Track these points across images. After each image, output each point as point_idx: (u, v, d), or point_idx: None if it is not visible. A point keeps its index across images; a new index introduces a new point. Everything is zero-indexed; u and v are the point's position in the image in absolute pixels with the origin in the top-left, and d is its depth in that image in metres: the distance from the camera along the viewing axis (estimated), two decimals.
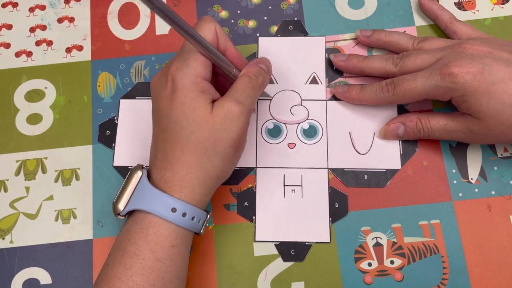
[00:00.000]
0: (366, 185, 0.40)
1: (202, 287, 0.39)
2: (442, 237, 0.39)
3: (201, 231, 0.35)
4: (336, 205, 0.40)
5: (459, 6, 0.45)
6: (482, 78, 0.35)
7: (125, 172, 0.41)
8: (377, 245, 0.39)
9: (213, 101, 0.33)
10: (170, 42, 0.45)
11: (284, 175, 0.41)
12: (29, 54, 0.45)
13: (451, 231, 0.39)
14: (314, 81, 0.43)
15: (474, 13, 0.45)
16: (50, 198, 0.41)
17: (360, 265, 0.39)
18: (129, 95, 0.44)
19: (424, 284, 0.38)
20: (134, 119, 0.43)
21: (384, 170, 0.41)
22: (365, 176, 0.41)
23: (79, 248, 0.40)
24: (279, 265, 0.39)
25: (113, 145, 0.42)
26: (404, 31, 0.43)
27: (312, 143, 0.42)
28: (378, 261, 0.39)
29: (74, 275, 0.39)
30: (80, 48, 0.45)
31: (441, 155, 0.41)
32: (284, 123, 0.42)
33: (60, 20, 0.46)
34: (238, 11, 0.46)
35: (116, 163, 0.42)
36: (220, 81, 0.39)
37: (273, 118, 0.42)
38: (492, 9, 0.45)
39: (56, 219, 0.41)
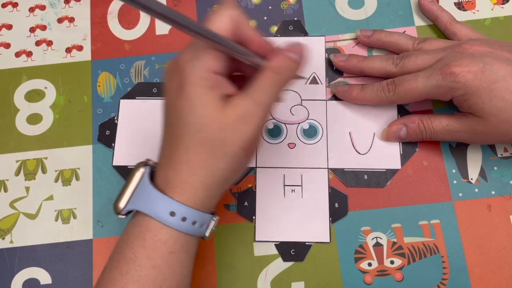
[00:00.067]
0: (366, 185, 0.40)
1: (202, 287, 0.39)
2: (442, 237, 0.39)
3: (206, 235, 0.32)
4: (336, 205, 0.40)
5: (459, 6, 0.45)
6: (483, 76, 0.35)
7: (125, 172, 0.41)
8: (377, 245, 0.39)
9: (228, 96, 0.30)
10: (170, 42, 0.45)
11: (284, 175, 0.41)
12: (29, 54, 0.45)
13: (451, 231, 0.39)
14: (314, 81, 0.43)
15: (474, 13, 0.45)
16: (50, 198, 0.41)
17: (360, 265, 0.39)
18: (129, 95, 0.44)
19: (424, 284, 0.38)
20: (134, 119, 0.43)
21: (384, 170, 0.41)
22: (365, 176, 0.41)
23: (79, 248, 0.40)
24: (279, 265, 0.39)
25: (113, 145, 0.42)
26: (404, 31, 0.43)
27: (312, 143, 0.42)
28: (378, 261, 0.39)
29: (74, 275, 0.39)
30: (80, 48, 0.45)
31: (441, 155, 0.41)
32: (284, 123, 0.42)
33: (60, 20, 0.46)
34: None
35: (115, 163, 0.42)
36: (245, 70, 0.34)
37: (273, 118, 0.42)
38: (492, 9, 0.45)
39: (56, 219, 0.41)
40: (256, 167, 0.41)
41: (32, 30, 0.46)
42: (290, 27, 0.45)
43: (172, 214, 0.29)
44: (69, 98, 0.44)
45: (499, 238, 0.39)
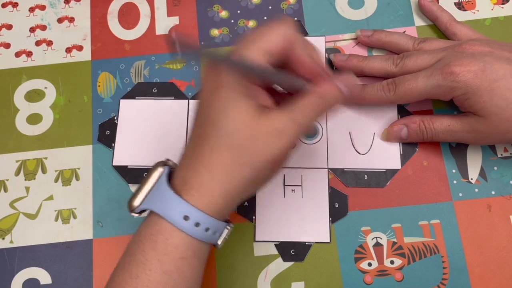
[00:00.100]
0: (366, 185, 0.40)
1: (202, 287, 0.39)
2: (442, 237, 0.39)
3: (219, 243, 0.31)
4: (336, 205, 0.40)
5: (459, 6, 0.45)
6: (483, 76, 0.35)
7: (125, 172, 0.41)
8: (377, 245, 0.39)
9: (264, 107, 0.29)
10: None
11: (284, 175, 0.41)
12: (29, 54, 0.45)
13: (451, 231, 0.39)
14: None
15: (474, 13, 0.45)
16: (50, 198, 0.41)
17: (360, 265, 0.39)
18: (129, 95, 0.44)
19: (424, 284, 0.38)
20: (134, 119, 0.43)
21: (384, 170, 0.41)
22: (365, 176, 0.41)
23: (79, 248, 0.40)
24: (279, 265, 0.39)
25: (113, 145, 0.42)
26: (404, 31, 0.43)
27: (312, 143, 0.42)
28: (378, 261, 0.39)
29: (74, 275, 0.39)
30: (80, 48, 0.45)
31: (441, 155, 0.41)
32: None
33: (60, 20, 0.46)
34: (238, 11, 0.46)
35: (115, 163, 0.42)
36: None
37: None
38: (492, 9, 0.45)
39: (56, 219, 0.41)
40: None
41: (32, 30, 0.46)
42: None
43: (186, 218, 0.28)
44: (69, 98, 0.44)
45: (499, 238, 0.39)
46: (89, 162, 0.42)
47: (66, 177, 0.42)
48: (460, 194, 0.40)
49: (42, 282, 0.39)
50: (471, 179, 0.40)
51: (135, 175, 0.41)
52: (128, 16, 0.46)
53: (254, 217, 0.40)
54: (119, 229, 0.40)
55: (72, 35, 0.46)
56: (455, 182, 0.40)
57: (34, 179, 0.42)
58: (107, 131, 0.43)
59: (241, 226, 0.40)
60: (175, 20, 0.46)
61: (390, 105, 0.42)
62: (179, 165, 0.31)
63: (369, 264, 0.39)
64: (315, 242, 0.39)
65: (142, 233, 0.30)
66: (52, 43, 0.45)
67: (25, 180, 0.42)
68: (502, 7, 0.45)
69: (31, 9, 0.47)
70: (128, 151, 0.42)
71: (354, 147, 0.41)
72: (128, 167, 0.41)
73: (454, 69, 0.35)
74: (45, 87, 0.44)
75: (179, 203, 0.29)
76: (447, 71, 0.35)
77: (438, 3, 0.45)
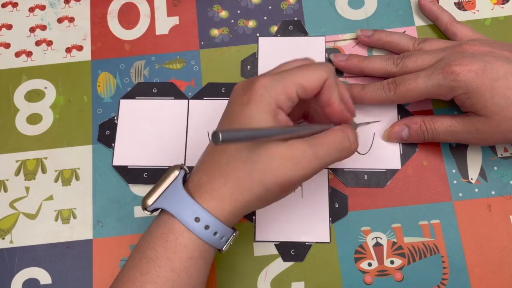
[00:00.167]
0: (366, 185, 0.40)
1: None
2: (442, 237, 0.39)
3: (223, 248, 0.32)
4: (336, 205, 0.40)
5: (459, 6, 0.45)
6: (484, 75, 0.35)
7: (124, 172, 0.41)
8: (377, 245, 0.39)
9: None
10: (170, 42, 0.45)
11: None
12: (29, 54, 0.45)
13: (451, 231, 0.39)
14: None
15: (474, 13, 0.45)
16: (50, 198, 0.41)
17: (360, 265, 0.39)
18: (129, 95, 0.44)
19: (424, 284, 0.38)
20: (134, 119, 0.43)
21: (384, 170, 0.41)
22: (365, 176, 0.41)
23: (79, 248, 0.40)
24: (279, 265, 0.39)
25: (113, 145, 0.42)
26: (404, 31, 0.43)
27: None
28: (378, 261, 0.39)
29: (74, 275, 0.39)
30: (80, 48, 0.45)
31: (441, 155, 0.41)
32: None
33: (60, 20, 0.46)
34: (238, 11, 0.46)
35: (115, 163, 0.42)
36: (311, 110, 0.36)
37: None
38: (492, 9, 0.45)
39: (56, 219, 0.41)
40: None
41: (32, 30, 0.46)
42: (290, 27, 0.45)
43: (197, 219, 0.30)
44: (69, 98, 0.44)
45: (499, 238, 0.39)
46: (89, 162, 0.42)
47: (66, 177, 0.42)
48: (460, 194, 0.40)
49: (42, 282, 0.39)
50: (471, 179, 0.40)
51: (135, 175, 0.41)
52: (128, 16, 0.46)
53: (254, 217, 0.40)
54: (119, 229, 0.40)
55: (72, 35, 0.46)
56: (455, 182, 0.40)
57: (34, 179, 0.42)
58: (107, 131, 0.43)
59: (241, 226, 0.40)
60: (175, 20, 0.46)
61: (390, 105, 0.42)
62: (196, 168, 0.32)
63: (369, 264, 0.39)
64: (315, 242, 0.39)
65: (153, 232, 0.31)
66: (52, 43, 0.45)
67: (25, 180, 0.42)
68: (502, 7, 0.45)
69: (31, 9, 0.47)
70: (128, 151, 0.42)
71: None
72: (128, 167, 0.41)
73: (454, 68, 0.35)
74: (45, 87, 0.44)
75: (192, 205, 0.30)
76: (448, 71, 0.35)
77: (438, 3, 0.45)
